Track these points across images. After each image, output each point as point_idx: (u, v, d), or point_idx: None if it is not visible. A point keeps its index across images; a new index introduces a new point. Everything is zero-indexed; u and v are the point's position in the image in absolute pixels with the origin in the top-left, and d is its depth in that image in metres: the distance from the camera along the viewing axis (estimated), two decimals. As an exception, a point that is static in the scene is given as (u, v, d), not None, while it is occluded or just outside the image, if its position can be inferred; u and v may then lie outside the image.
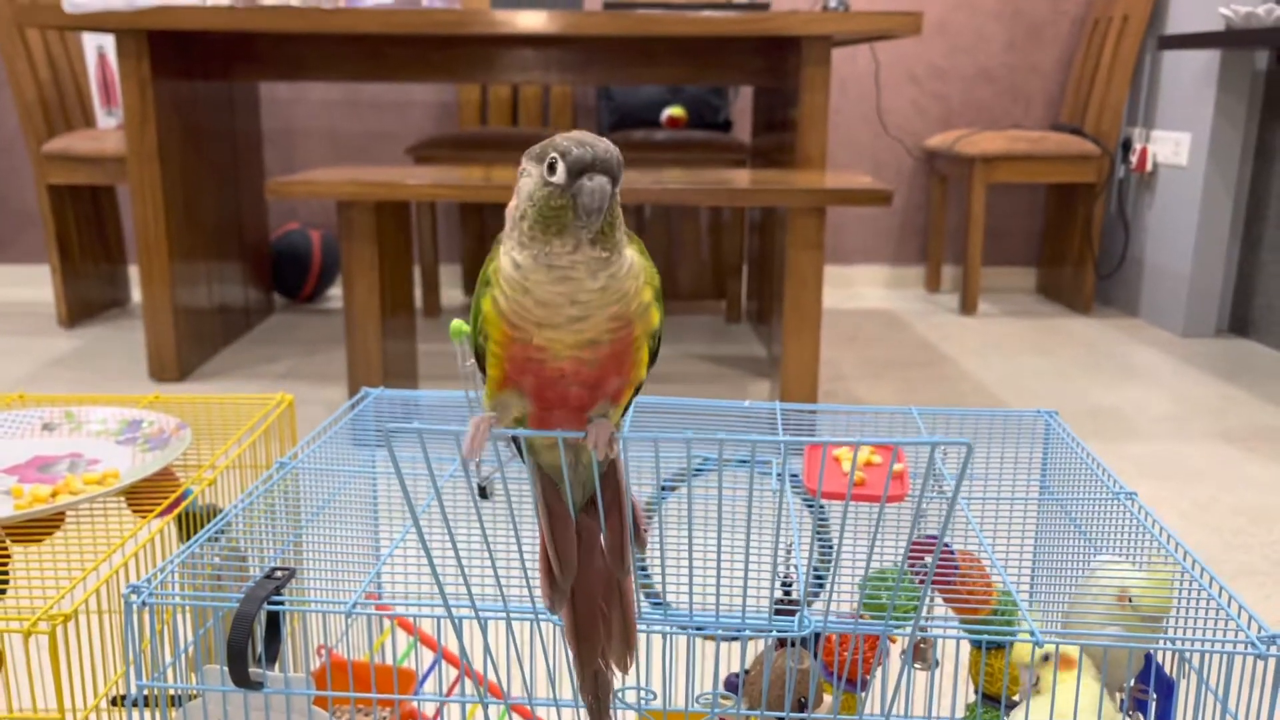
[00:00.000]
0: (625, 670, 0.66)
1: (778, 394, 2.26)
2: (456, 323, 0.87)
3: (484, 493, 0.88)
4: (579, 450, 0.65)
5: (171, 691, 0.73)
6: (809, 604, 0.84)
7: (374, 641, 1.07)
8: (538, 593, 0.67)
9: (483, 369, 0.64)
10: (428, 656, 1.08)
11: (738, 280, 3.35)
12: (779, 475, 0.93)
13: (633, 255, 0.61)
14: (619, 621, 0.65)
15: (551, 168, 0.57)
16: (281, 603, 0.70)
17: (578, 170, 0.57)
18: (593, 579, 0.66)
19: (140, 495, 0.94)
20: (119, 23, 2.34)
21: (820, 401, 2.37)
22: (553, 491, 0.66)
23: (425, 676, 1.02)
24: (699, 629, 0.72)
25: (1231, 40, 2.74)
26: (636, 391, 0.65)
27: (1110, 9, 3.37)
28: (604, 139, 0.59)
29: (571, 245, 0.58)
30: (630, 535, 0.65)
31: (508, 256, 0.59)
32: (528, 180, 0.59)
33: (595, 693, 0.66)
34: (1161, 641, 0.69)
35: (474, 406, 0.91)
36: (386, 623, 1.09)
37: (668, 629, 0.71)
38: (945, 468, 0.91)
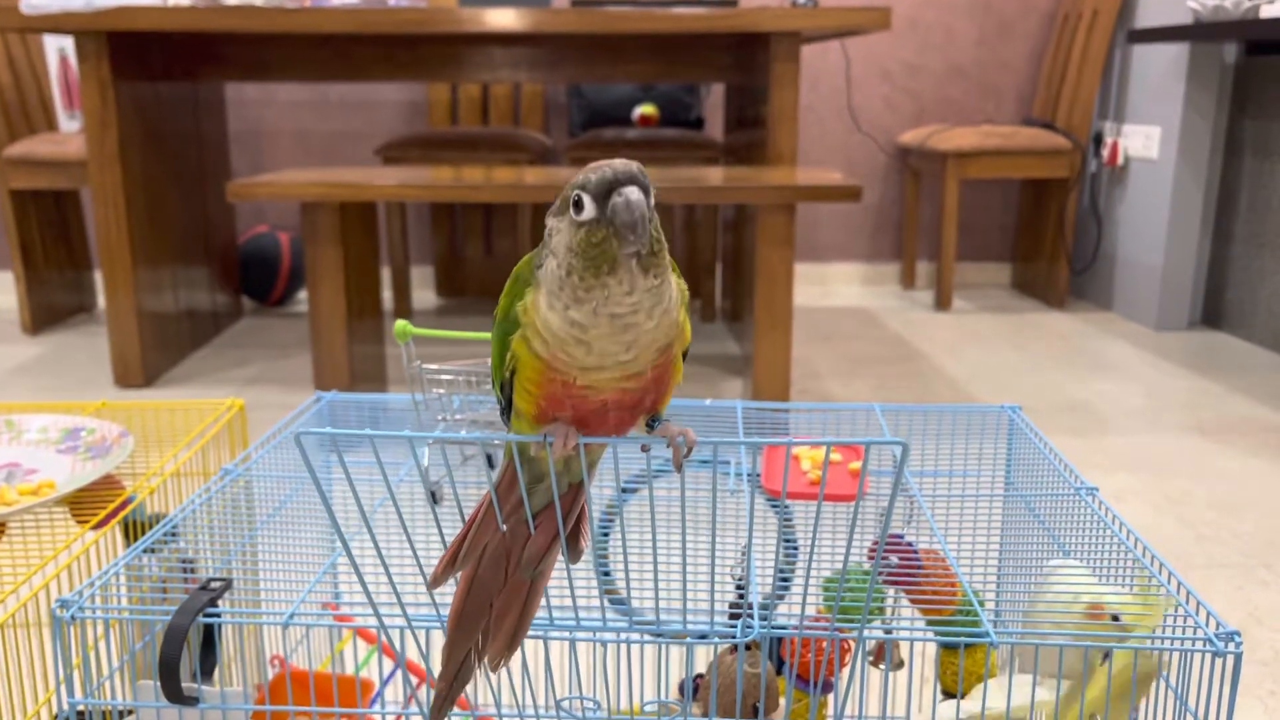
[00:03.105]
0: (495, 669, 0.64)
1: (750, 392, 2.24)
2: (401, 323, 0.85)
3: (434, 497, 0.86)
4: (570, 459, 0.63)
5: (106, 708, 0.71)
6: (773, 606, 0.82)
7: (328, 652, 1.04)
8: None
9: (507, 398, 0.62)
10: (391, 668, 1.06)
11: (711, 279, 3.34)
12: (736, 475, 0.91)
13: (673, 279, 0.59)
14: (511, 623, 0.64)
15: (578, 205, 0.54)
16: (217, 615, 0.68)
17: (604, 193, 0.54)
18: (498, 578, 0.64)
19: (84, 505, 0.91)
20: (77, 24, 2.30)
21: (794, 399, 2.36)
22: (506, 495, 0.64)
23: (382, 687, 0.99)
24: (657, 635, 0.70)
25: (1200, 33, 2.75)
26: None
27: (1080, 4, 3.37)
28: (619, 158, 0.55)
29: (627, 282, 0.54)
30: (564, 544, 0.63)
31: (556, 314, 0.56)
32: (559, 236, 0.56)
33: (452, 680, 0.64)
34: (1119, 640, 0.68)
35: (422, 408, 0.89)
36: (346, 632, 1.06)
37: (610, 636, 0.69)
38: (908, 468, 0.89)
